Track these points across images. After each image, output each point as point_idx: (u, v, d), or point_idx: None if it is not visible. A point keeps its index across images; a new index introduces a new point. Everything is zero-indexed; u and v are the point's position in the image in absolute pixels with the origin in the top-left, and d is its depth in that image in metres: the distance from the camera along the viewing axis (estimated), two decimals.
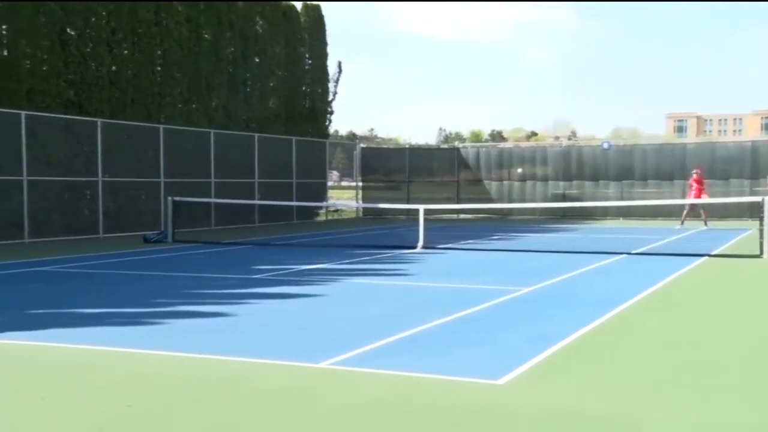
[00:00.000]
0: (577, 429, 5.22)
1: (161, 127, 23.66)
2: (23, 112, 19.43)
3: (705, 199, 25.81)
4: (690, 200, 25.86)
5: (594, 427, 5.27)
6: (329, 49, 33.50)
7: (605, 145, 34.29)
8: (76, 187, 21.32)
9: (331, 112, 33.97)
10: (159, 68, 24.58)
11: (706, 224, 26.33)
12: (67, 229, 20.69)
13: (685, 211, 26.69)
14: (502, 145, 41.25)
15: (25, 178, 19.47)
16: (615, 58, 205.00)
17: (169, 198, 20.93)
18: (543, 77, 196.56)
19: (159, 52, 24.51)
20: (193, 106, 25.83)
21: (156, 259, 16.33)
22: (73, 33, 21.71)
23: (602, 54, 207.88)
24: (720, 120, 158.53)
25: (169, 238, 20.11)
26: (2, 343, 7.85)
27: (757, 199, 18.11)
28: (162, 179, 23.54)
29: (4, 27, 20.09)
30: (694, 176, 26.86)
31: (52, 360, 7.24)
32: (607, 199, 31.42)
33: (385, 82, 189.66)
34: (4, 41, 20.19)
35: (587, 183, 33.50)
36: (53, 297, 11.13)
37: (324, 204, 31.52)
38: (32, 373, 6.78)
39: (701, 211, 26.69)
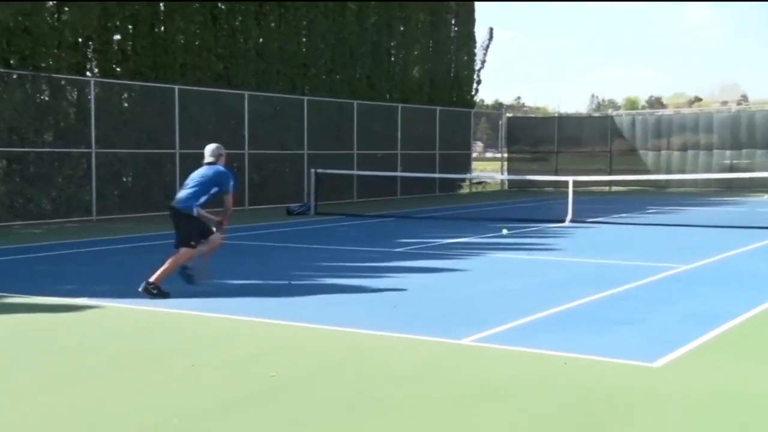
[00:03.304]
0: (737, 414, 4.77)
1: (305, 98, 23.88)
2: (176, 87, 20.05)
3: None
4: None
5: (755, 412, 4.79)
6: (476, 15, 32.70)
7: None
8: None
9: (479, 81, 33.26)
10: (304, 39, 24.77)
11: None
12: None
13: None
14: (660, 112, 39.23)
15: (177, 151, 20.12)
16: None
17: (312, 170, 21.09)
18: (707, 37, 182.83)
19: (304, 23, 24.69)
20: (337, 76, 25.91)
21: (299, 231, 16.46)
22: (222, 7, 22.17)
23: None
24: None
25: (312, 211, 20.26)
26: (158, 311, 8.00)
27: None
28: (305, 151, 23.79)
29: (161, 4, 20.74)
30: None
31: (195, 329, 7.30)
32: None
33: (535, 49, 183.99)
34: (161, 17, 20.85)
35: (759, 152, 30.85)
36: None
37: (467, 176, 31.03)
38: (177, 339, 6.86)
39: None
